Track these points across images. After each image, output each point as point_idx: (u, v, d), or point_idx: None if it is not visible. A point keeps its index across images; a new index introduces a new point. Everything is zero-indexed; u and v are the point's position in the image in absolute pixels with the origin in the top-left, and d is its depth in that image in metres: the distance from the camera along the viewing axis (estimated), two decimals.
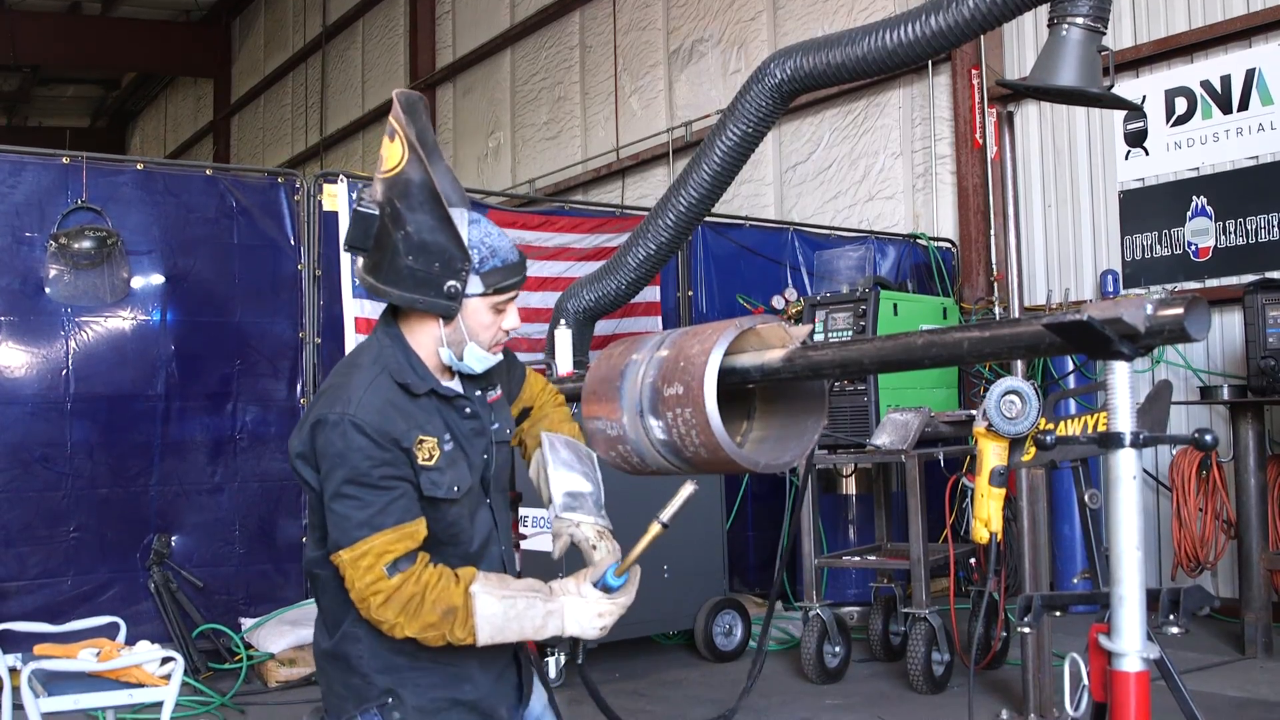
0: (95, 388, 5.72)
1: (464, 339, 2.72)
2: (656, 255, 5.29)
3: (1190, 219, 7.00)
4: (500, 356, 2.84)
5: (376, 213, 2.66)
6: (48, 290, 5.62)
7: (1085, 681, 2.59)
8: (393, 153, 2.61)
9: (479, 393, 2.89)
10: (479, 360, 2.77)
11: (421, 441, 2.69)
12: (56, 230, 5.60)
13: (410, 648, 2.78)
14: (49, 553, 5.58)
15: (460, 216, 2.65)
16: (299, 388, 6.21)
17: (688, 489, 2.75)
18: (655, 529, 2.76)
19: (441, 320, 2.71)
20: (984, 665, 5.34)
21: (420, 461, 2.69)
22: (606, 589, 2.80)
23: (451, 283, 2.62)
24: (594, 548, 2.90)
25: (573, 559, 2.88)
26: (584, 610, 2.77)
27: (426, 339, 2.76)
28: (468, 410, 2.83)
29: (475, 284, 2.66)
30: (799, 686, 5.28)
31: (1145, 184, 7.24)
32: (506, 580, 2.77)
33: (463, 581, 2.68)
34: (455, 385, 2.84)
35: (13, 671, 3.23)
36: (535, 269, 6.74)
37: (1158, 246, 7.16)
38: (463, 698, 2.86)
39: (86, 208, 5.71)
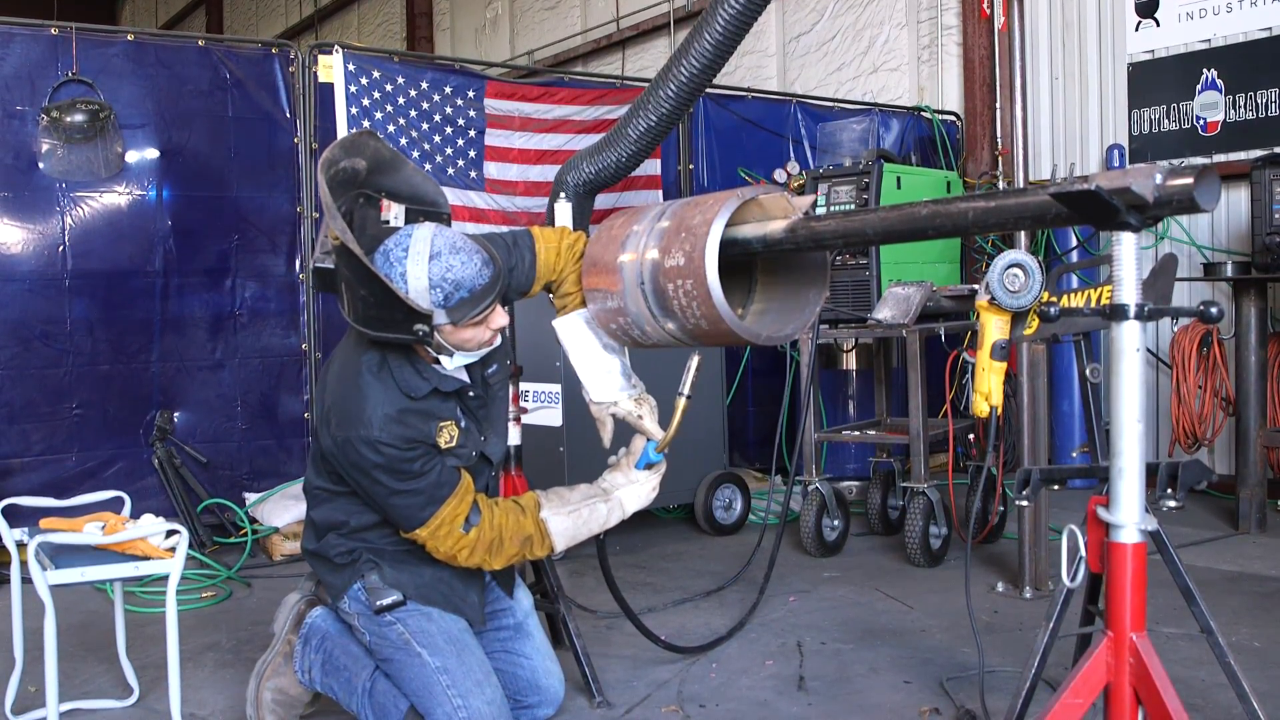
0: (93, 264, 5.69)
1: (451, 351, 2.89)
2: (657, 127, 5.20)
3: (1200, 92, 6.89)
4: (497, 342, 3.00)
5: (333, 269, 2.81)
6: (41, 165, 5.56)
7: (1082, 553, 2.61)
8: (332, 228, 2.70)
9: None
10: (470, 358, 2.96)
11: (441, 428, 2.92)
12: (48, 104, 5.52)
13: (388, 548, 3.02)
14: (52, 429, 5.61)
15: (420, 254, 2.75)
16: (298, 263, 6.18)
17: (695, 360, 3.06)
18: (682, 403, 3.08)
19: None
20: (981, 539, 5.40)
21: (444, 445, 2.92)
22: (650, 465, 3.08)
23: (419, 326, 2.76)
24: (639, 418, 3.14)
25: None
26: (639, 492, 3.15)
27: (419, 345, 2.92)
28: (472, 394, 3.03)
29: (443, 318, 2.79)
30: (797, 559, 5.35)
31: (1155, 56, 7.10)
32: (565, 495, 3.11)
33: (529, 511, 3.03)
34: (458, 371, 3.01)
35: (20, 545, 3.25)
36: (534, 142, 6.67)
37: (1165, 121, 7.05)
38: (441, 574, 3.10)
39: (78, 80, 5.61)
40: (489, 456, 3.14)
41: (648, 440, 3.15)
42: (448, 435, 2.93)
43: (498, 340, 2.99)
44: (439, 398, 2.94)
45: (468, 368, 3.03)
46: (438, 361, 2.94)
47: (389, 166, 2.94)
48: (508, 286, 3.15)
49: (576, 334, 3.13)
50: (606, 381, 3.13)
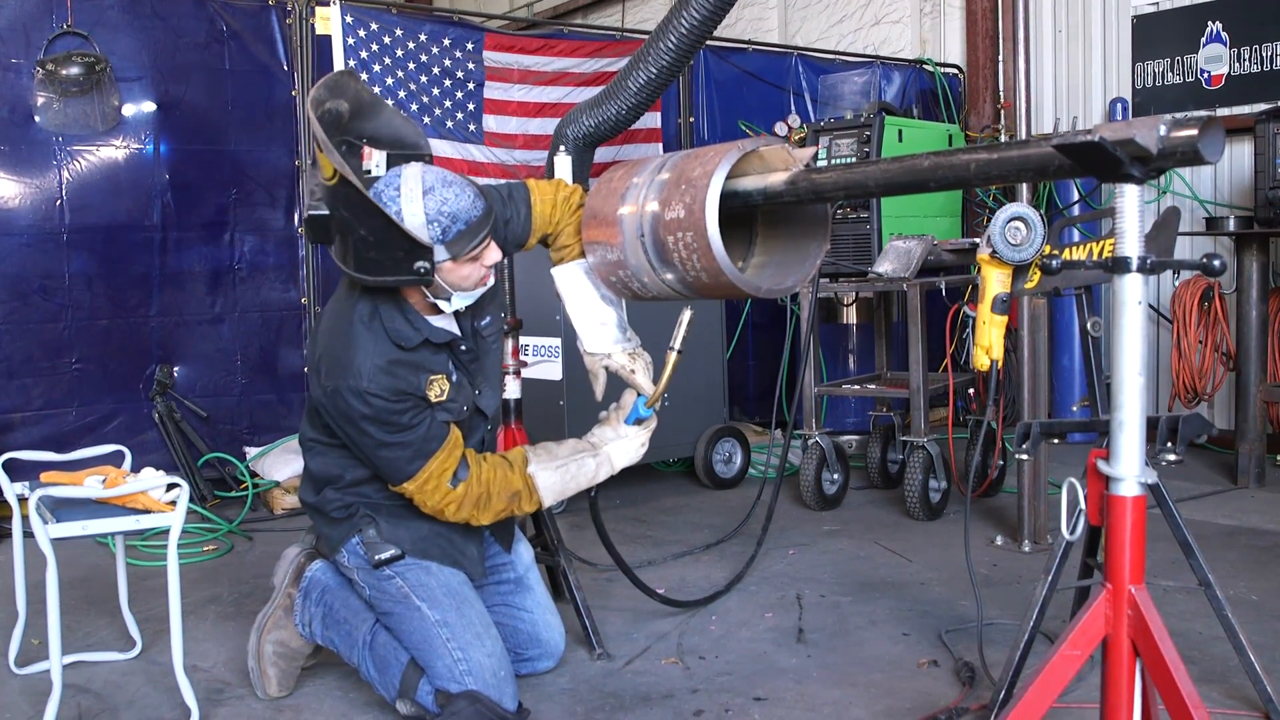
0: (90, 218, 5.66)
1: (449, 293, 2.86)
2: (658, 79, 5.17)
3: (1204, 45, 6.83)
4: (491, 281, 2.97)
5: (329, 213, 2.73)
6: (37, 119, 5.52)
7: (1082, 505, 2.61)
8: (326, 164, 2.65)
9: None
10: (467, 299, 2.93)
11: (432, 382, 2.91)
12: (43, 56, 5.48)
13: (384, 503, 3.02)
14: (52, 384, 5.61)
15: (412, 191, 2.71)
16: (296, 216, 6.15)
17: (687, 314, 3.05)
18: (673, 358, 3.09)
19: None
20: (980, 493, 5.41)
21: (434, 400, 2.91)
22: (640, 420, 3.07)
23: (420, 263, 2.71)
24: (632, 371, 3.14)
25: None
26: (628, 447, 3.15)
27: (415, 293, 2.90)
28: (463, 348, 3.02)
29: (442, 253, 2.75)
30: (797, 513, 5.36)
31: (1159, 8, 7.04)
32: (552, 450, 3.10)
33: (516, 466, 3.02)
34: (444, 321, 3.00)
35: (21, 499, 3.25)
36: (534, 94, 6.62)
37: (1169, 74, 7.00)
38: (439, 529, 3.11)
39: (73, 33, 5.56)
40: (483, 410, 3.14)
41: (638, 395, 3.14)
42: (438, 389, 2.92)
43: (491, 279, 2.97)
44: (430, 349, 2.93)
45: (458, 320, 3.02)
46: (435, 310, 2.93)
47: (370, 110, 2.92)
48: (504, 239, 3.14)
49: (574, 283, 3.13)
50: (601, 333, 3.12)
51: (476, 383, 3.08)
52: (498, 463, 3.00)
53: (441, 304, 2.88)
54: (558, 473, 3.04)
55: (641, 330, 3.20)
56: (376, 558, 3.01)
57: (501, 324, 3.22)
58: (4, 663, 3.54)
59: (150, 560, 4.71)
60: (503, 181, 3.34)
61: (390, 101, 6.00)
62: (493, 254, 2.87)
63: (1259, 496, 5.50)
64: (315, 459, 3.12)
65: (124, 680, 3.45)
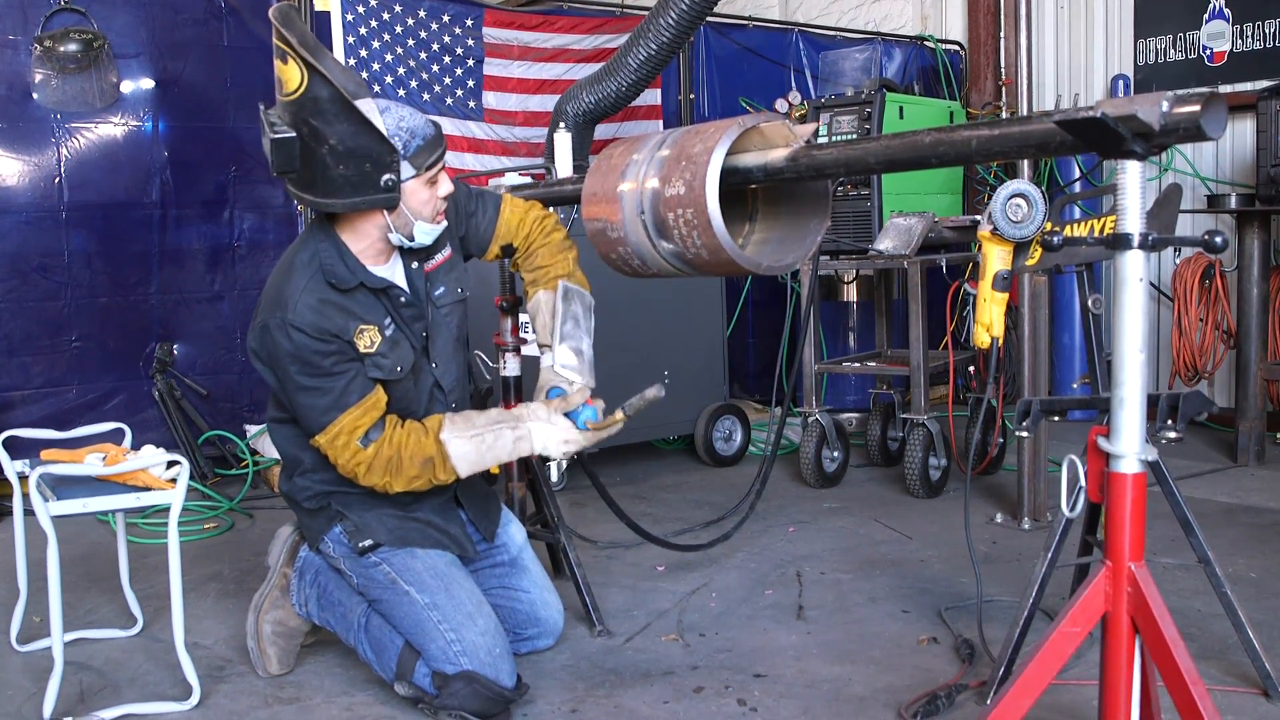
0: (89, 196, 5.66)
1: (409, 220, 2.87)
2: (657, 56, 5.16)
3: (1207, 21, 6.80)
4: (444, 222, 2.99)
5: (294, 135, 2.72)
6: (35, 96, 5.51)
7: (1082, 483, 2.61)
8: (290, 75, 2.66)
9: (416, 265, 3.05)
10: (427, 233, 2.94)
11: (362, 331, 2.88)
12: (40, 33, 5.46)
13: (355, 489, 3.00)
14: (52, 362, 5.61)
15: (371, 111, 2.72)
16: None
17: (653, 391, 2.92)
18: (620, 416, 3.00)
19: (386, 211, 2.84)
20: (980, 470, 5.41)
21: (363, 349, 2.88)
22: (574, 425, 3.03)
23: (387, 176, 2.75)
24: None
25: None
26: (552, 434, 3.00)
27: (370, 228, 2.90)
28: (403, 299, 2.99)
29: (407, 169, 2.79)
30: (797, 490, 5.37)
31: None
32: (471, 418, 2.99)
33: (431, 431, 2.93)
34: (389, 273, 2.99)
35: (22, 477, 3.25)
36: (533, 71, 6.60)
37: (1172, 51, 6.97)
38: (415, 516, 3.11)
39: (70, 9, 5.54)
40: (440, 383, 3.11)
41: (588, 405, 3.05)
42: (368, 339, 2.88)
43: (444, 222, 2.98)
44: (366, 296, 2.92)
45: (409, 278, 3.03)
46: (377, 260, 2.96)
47: (316, 51, 2.89)
48: (466, 233, 3.18)
49: (575, 304, 3.18)
50: (578, 360, 3.14)
51: (430, 353, 3.06)
52: (414, 428, 2.92)
53: (401, 234, 2.89)
54: (472, 442, 2.91)
55: (626, 377, 3.15)
56: (361, 545, 3.01)
57: (459, 297, 3.16)
58: (6, 640, 3.55)
59: (151, 538, 4.72)
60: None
61: (389, 78, 5.99)
62: (445, 184, 2.91)
63: (1259, 474, 5.51)
64: (278, 437, 3.12)
65: (125, 657, 3.46)
